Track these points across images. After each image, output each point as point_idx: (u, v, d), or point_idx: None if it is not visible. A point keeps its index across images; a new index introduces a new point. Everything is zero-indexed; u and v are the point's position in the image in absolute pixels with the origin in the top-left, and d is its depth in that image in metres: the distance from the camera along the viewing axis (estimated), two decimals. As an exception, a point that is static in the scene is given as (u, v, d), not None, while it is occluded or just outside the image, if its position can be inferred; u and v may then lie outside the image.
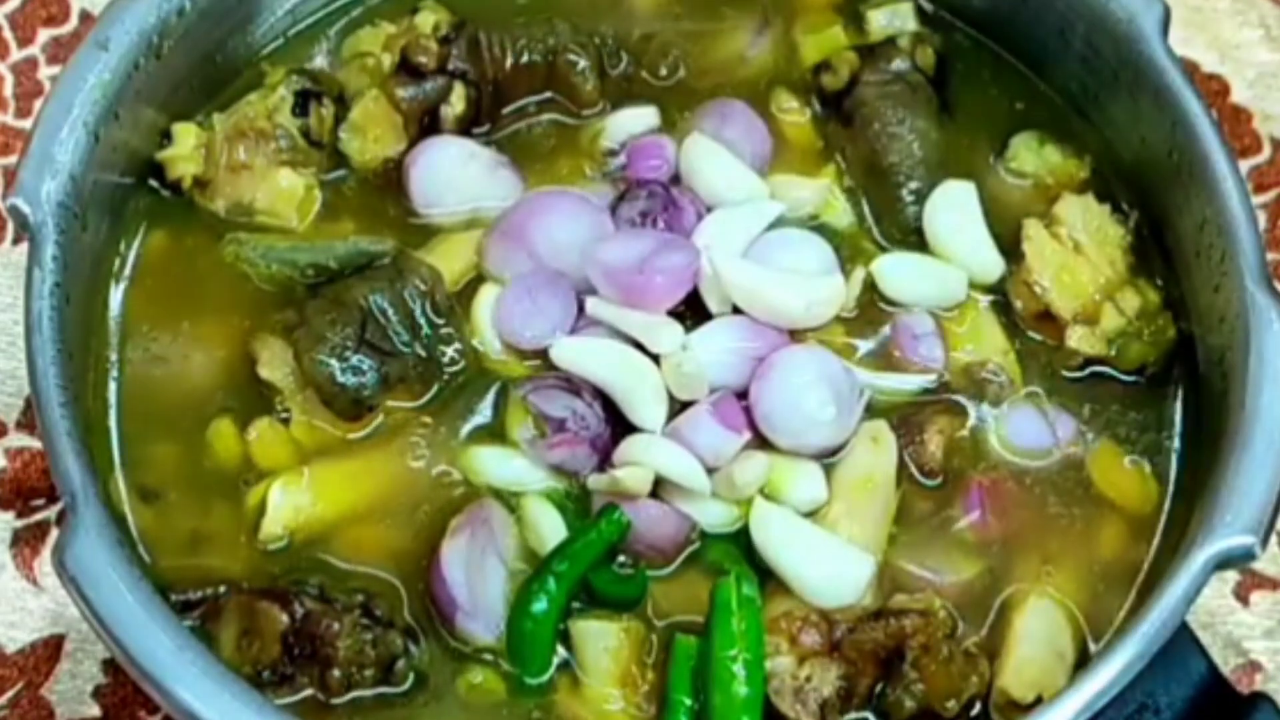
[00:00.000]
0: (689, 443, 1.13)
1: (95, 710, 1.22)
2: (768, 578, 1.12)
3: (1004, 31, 1.31)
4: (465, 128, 1.26)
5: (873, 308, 1.21)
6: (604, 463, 1.15)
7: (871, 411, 1.17)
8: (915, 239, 1.23)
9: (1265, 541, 1.07)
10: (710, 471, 1.13)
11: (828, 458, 1.16)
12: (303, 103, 1.24)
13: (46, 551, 1.25)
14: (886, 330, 1.21)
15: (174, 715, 1.04)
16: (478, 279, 1.21)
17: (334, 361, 1.15)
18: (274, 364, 1.17)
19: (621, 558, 1.13)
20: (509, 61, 1.26)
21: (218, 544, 1.15)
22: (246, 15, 1.28)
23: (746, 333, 1.17)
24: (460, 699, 1.11)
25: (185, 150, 1.23)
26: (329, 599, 1.10)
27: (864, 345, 1.20)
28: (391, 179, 1.25)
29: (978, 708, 1.10)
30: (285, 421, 1.17)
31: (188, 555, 1.14)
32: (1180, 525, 1.13)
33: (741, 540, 1.13)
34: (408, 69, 1.24)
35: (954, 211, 1.23)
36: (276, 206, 1.23)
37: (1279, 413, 1.09)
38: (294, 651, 1.10)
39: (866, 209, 1.25)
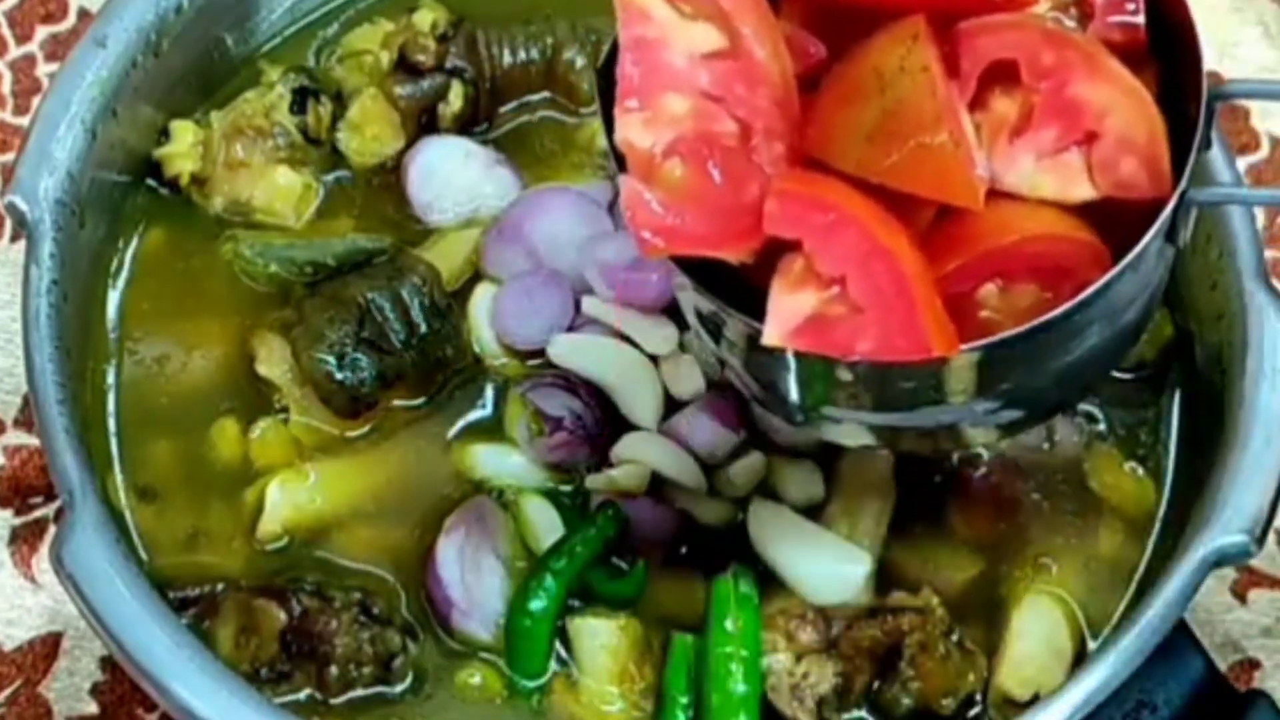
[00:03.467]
0: (685, 440, 1.13)
1: (93, 707, 1.22)
2: (765, 575, 1.12)
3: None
4: (463, 126, 1.26)
5: (871, 305, 1.21)
6: (602, 460, 1.15)
7: (869, 409, 1.17)
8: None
9: (1263, 539, 1.06)
10: (707, 469, 1.13)
11: (826, 455, 1.16)
12: (300, 100, 1.24)
13: (44, 549, 1.25)
14: (884, 328, 1.20)
15: (172, 712, 1.04)
16: (475, 277, 1.21)
17: (332, 359, 1.15)
18: (272, 361, 1.17)
19: (618, 555, 1.13)
20: (507, 59, 1.26)
21: (215, 541, 1.15)
22: (244, 13, 1.28)
23: (744, 330, 1.17)
24: (458, 697, 1.11)
25: (183, 148, 1.23)
26: (326, 596, 1.10)
27: (862, 343, 1.20)
28: (389, 177, 1.25)
29: (975, 705, 1.10)
30: (285, 420, 1.17)
31: (185, 553, 1.14)
32: (1178, 523, 1.12)
33: (739, 537, 1.13)
34: (405, 67, 1.24)
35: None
36: (274, 204, 1.23)
37: (1277, 410, 1.09)
38: (292, 649, 1.09)
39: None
